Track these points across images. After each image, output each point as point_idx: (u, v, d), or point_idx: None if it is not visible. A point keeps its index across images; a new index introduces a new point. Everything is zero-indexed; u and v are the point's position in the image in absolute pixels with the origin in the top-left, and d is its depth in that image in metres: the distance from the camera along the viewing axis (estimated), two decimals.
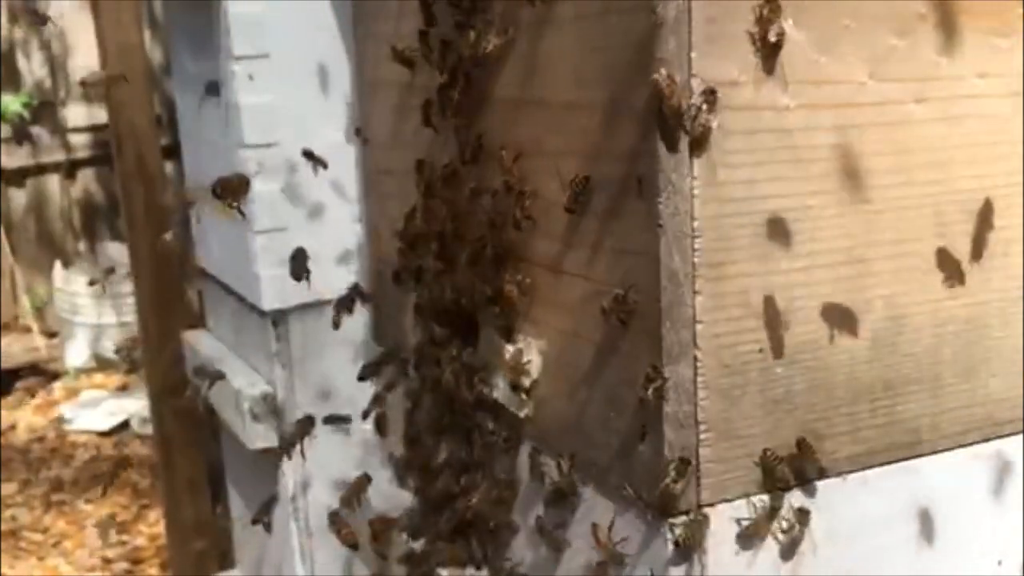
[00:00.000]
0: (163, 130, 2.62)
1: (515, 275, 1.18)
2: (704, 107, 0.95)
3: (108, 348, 5.44)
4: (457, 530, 1.40)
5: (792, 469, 1.05)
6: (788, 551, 1.08)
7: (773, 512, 1.05)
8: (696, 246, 0.98)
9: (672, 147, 0.96)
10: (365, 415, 1.71)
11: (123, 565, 3.74)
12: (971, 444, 1.17)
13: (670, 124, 0.95)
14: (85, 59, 5.60)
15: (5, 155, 5.65)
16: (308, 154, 1.68)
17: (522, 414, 1.24)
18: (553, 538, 1.20)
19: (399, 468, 1.63)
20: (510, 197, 1.18)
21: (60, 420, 4.95)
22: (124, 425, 4.89)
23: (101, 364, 5.55)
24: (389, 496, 1.65)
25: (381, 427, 1.69)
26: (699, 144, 0.96)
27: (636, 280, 1.01)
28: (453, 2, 1.25)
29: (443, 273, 1.38)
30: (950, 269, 1.11)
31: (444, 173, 1.36)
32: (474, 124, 1.28)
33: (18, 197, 5.97)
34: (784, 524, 1.07)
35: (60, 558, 3.80)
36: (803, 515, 1.07)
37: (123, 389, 5.26)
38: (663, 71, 0.94)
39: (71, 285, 5.51)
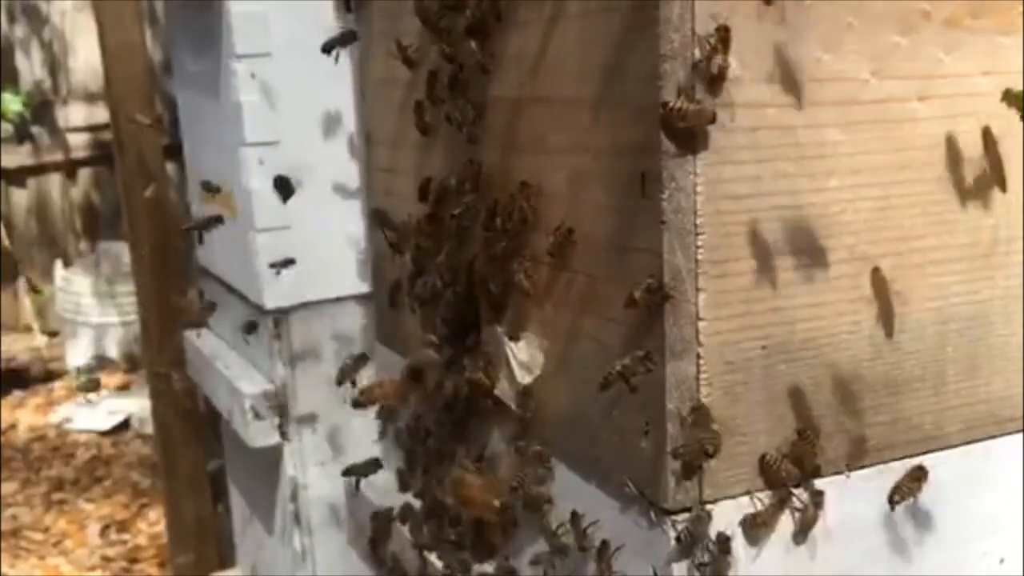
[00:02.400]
0: (164, 129, 2.62)
1: (523, 264, 1.18)
2: (719, 47, 0.94)
3: (109, 348, 5.45)
4: (459, 529, 1.40)
5: (794, 462, 1.05)
6: (790, 547, 1.08)
7: (776, 509, 1.05)
8: (699, 243, 0.98)
9: (693, 151, 0.96)
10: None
11: (124, 564, 3.74)
12: (973, 442, 1.17)
13: (689, 137, 0.95)
14: (86, 59, 5.61)
15: (6, 154, 5.66)
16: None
17: (525, 412, 1.24)
18: (556, 542, 1.19)
19: (401, 468, 1.63)
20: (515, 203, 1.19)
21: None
22: (125, 424, 4.89)
23: (102, 364, 5.55)
24: (389, 494, 1.65)
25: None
26: (716, 84, 0.95)
27: (639, 277, 1.00)
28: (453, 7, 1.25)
29: (446, 275, 1.37)
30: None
31: (440, 187, 1.38)
32: (477, 128, 1.28)
33: (19, 197, 5.97)
34: (788, 520, 1.07)
35: (61, 557, 3.80)
36: (806, 512, 1.07)
37: (124, 388, 5.26)
38: (675, 101, 0.94)
39: (72, 285, 5.51)
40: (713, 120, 0.95)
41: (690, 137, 0.96)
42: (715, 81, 0.96)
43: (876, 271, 1.07)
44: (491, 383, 1.28)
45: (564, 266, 1.14)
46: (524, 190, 1.17)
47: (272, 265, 1.73)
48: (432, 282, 1.41)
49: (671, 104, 0.94)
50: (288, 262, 1.74)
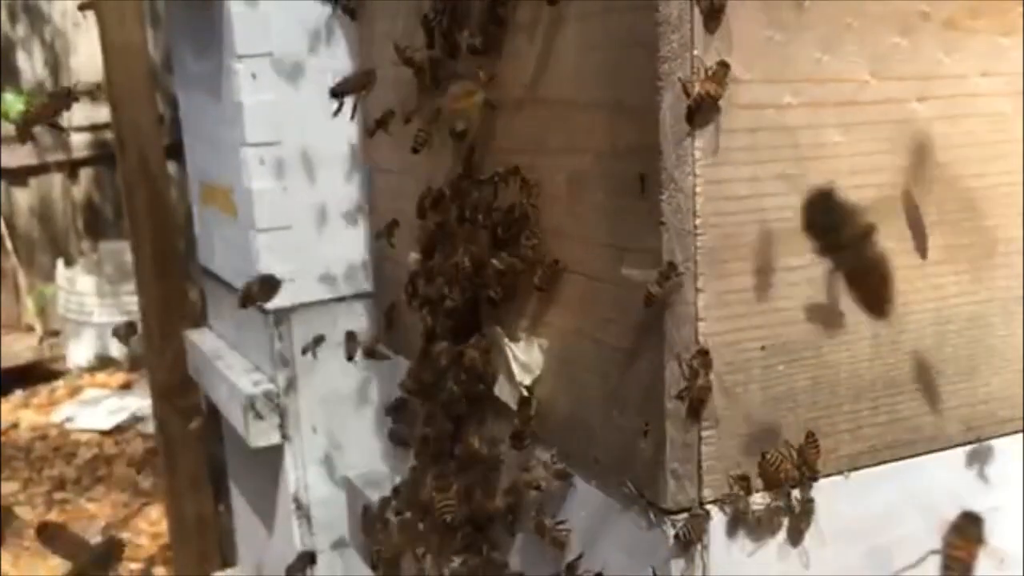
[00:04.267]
0: (165, 129, 2.62)
1: (530, 239, 1.17)
2: None
3: (111, 347, 5.45)
4: (456, 524, 1.40)
5: (795, 465, 1.05)
6: (789, 548, 1.08)
7: (775, 509, 1.06)
8: (699, 244, 0.98)
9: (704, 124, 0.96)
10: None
11: (125, 564, 3.74)
12: (972, 442, 1.17)
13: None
14: (87, 58, 5.61)
15: (7, 154, 5.66)
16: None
17: (527, 416, 1.24)
18: (554, 536, 1.20)
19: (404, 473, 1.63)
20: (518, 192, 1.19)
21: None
22: (126, 424, 4.90)
23: (104, 363, 5.55)
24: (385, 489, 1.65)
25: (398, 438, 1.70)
26: (716, 18, 0.95)
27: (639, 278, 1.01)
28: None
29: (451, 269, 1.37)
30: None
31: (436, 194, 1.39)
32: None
33: (20, 196, 5.98)
34: (786, 521, 1.07)
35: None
36: (805, 513, 1.07)
37: (126, 387, 5.27)
38: (694, 90, 0.94)
39: (75, 284, 5.51)
40: (728, 68, 0.95)
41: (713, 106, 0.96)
42: (715, 15, 0.95)
43: (907, 193, 1.06)
44: (485, 364, 1.28)
45: (554, 298, 1.16)
46: (524, 188, 1.17)
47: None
48: (437, 284, 1.41)
49: (695, 95, 0.94)
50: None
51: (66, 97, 1.47)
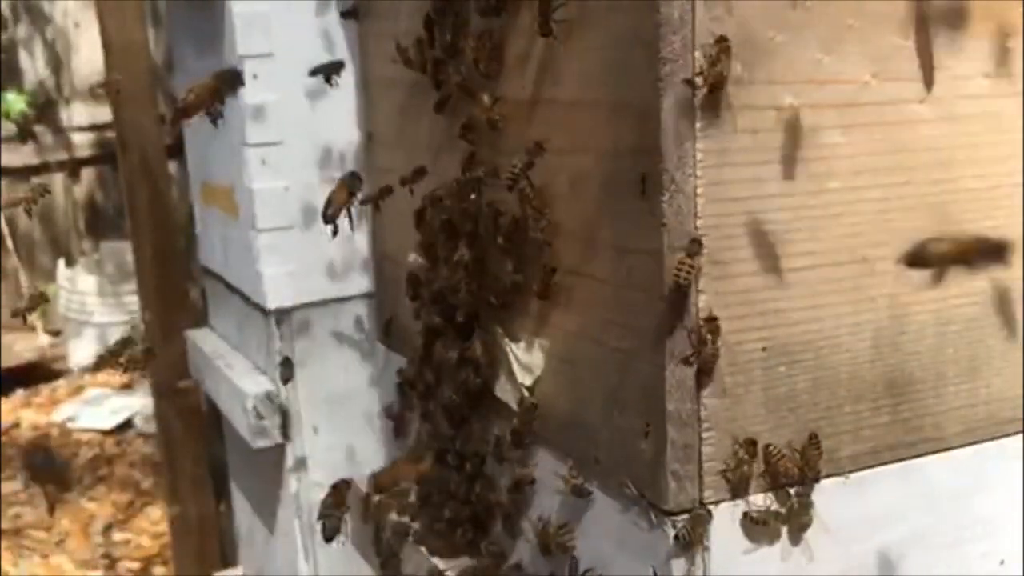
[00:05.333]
0: (167, 129, 2.62)
1: (539, 223, 1.16)
2: None
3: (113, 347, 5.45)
4: (455, 522, 1.41)
5: (796, 466, 1.05)
6: (789, 549, 1.08)
7: (776, 510, 1.06)
8: None
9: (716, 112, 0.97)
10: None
11: (126, 563, 3.75)
12: (973, 443, 1.17)
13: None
14: (89, 58, 5.61)
15: (8, 154, 5.66)
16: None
17: (529, 418, 1.24)
18: (559, 543, 1.19)
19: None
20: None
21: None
22: (128, 423, 4.90)
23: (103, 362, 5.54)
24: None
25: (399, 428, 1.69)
26: None
27: (639, 279, 1.01)
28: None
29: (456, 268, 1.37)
30: None
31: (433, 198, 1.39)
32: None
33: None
34: (786, 522, 1.07)
35: (64, 556, 3.81)
36: (806, 512, 1.07)
37: (127, 387, 5.27)
38: (702, 81, 0.95)
39: (76, 284, 5.52)
40: (728, 41, 0.95)
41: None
42: None
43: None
44: (488, 360, 1.29)
45: (555, 299, 1.16)
46: (523, 199, 1.17)
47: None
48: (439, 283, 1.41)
49: (706, 85, 0.95)
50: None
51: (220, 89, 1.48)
